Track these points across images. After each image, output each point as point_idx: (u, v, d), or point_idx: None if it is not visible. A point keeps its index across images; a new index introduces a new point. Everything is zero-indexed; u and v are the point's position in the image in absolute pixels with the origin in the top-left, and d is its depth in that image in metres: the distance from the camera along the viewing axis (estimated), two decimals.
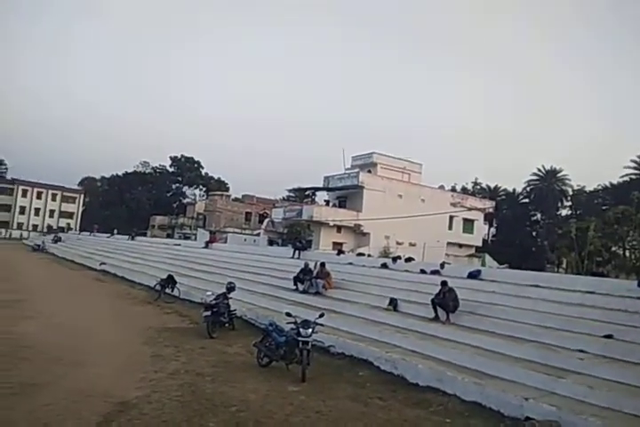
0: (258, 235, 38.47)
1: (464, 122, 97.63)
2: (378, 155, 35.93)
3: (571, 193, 53.51)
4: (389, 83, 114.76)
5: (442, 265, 15.50)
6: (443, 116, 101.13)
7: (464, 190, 54.15)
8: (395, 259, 17.57)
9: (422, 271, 15.34)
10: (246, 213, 53.26)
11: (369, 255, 22.27)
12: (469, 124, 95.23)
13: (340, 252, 22.43)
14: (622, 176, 47.08)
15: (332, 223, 31.59)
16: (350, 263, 18.29)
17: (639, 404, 6.44)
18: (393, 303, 12.59)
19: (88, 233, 50.03)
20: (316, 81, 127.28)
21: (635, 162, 47.08)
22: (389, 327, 11.19)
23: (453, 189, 50.50)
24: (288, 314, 9.29)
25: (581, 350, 8.52)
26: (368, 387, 8.40)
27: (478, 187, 58.98)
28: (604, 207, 38.41)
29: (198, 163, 71.67)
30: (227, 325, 12.58)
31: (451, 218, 36.99)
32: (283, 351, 8.95)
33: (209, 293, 13.24)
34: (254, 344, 9.71)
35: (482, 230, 43.94)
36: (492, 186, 58.66)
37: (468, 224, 39.31)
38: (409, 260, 17.37)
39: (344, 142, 47.54)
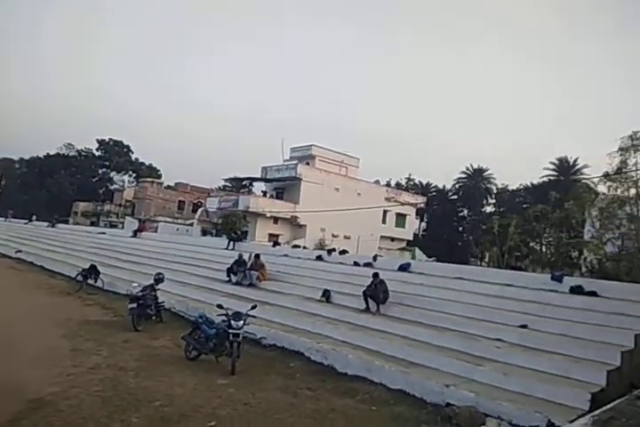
0: (191, 225, 37.39)
1: (400, 121, 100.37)
2: (317, 147, 36.04)
3: (495, 191, 56.66)
4: (330, 77, 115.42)
5: (374, 258, 15.87)
6: (383, 115, 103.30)
7: (398, 186, 55.72)
8: (329, 251, 17.76)
9: (356, 264, 15.62)
10: (179, 201, 51.60)
11: (304, 247, 22.37)
12: (405, 123, 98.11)
13: (276, 243, 22.34)
14: (542, 177, 50.52)
15: (268, 215, 31.36)
16: (286, 255, 18.26)
17: (548, 389, 6.97)
18: (326, 295, 12.73)
19: (2, 219, 46.22)
20: (258, 70, 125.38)
21: (553, 164, 50.67)
22: (321, 319, 11.32)
23: (388, 185, 51.77)
24: (219, 306, 9.12)
25: (499, 339, 9.08)
26: (298, 378, 8.44)
27: (411, 183, 60.97)
28: (524, 205, 40.92)
29: (128, 147, 68.02)
30: (154, 317, 12.14)
31: (385, 212, 37.98)
32: (212, 344, 8.78)
33: (135, 284, 12.69)
34: (182, 337, 9.44)
35: (413, 225, 45.56)
36: (425, 182, 60.91)
37: (401, 219, 40.60)
38: (343, 252, 17.63)
39: (284, 134, 47.34)
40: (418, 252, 35.35)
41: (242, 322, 8.57)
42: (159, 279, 12.65)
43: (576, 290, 10.77)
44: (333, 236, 31.19)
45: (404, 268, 14.42)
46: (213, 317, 9.29)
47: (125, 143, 67.90)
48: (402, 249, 38.21)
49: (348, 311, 11.58)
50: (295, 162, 34.64)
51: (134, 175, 66.65)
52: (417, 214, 46.15)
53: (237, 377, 8.18)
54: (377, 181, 44.02)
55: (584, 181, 35.75)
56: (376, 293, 11.40)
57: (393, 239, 39.00)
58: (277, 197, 34.57)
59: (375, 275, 11.68)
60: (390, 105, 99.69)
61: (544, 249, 31.36)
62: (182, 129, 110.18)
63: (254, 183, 37.29)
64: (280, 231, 32.14)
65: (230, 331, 8.45)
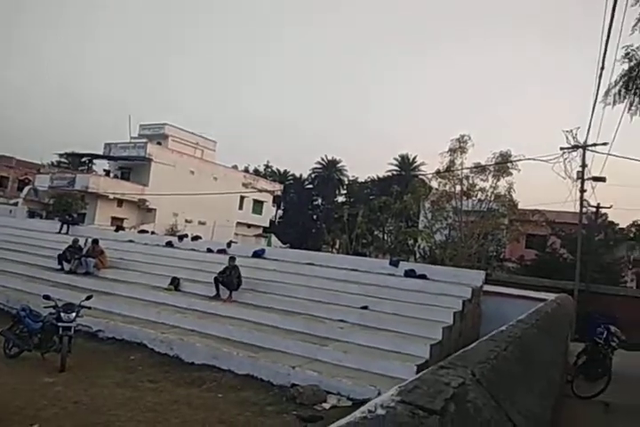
0: (15, 204, 32.48)
1: (263, 106, 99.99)
2: (170, 127, 34.03)
3: (347, 182, 60.22)
4: (187, 57, 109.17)
5: (228, 244, 15.63)
6: (245, 99, 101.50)
7: (256, 172, 55.74)
8: (181, 237, 16.97)
9: (209, 250, 15.19)
10: (1, 177, 44.43)
11: (153, 233, 21.02)
12: (269, 109, 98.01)
13: (120, 228, 20.62)
14: (387, 171, 55.19)
15: (112, 196, 28.74)
16: (131, 241, 16.93)
17: (382, 364, 7.62)
18: (175, 283, 12.15)
19: None
20: (108, 42, 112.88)
21: (397, 160, 55.70)
22: (168, 308, 10.78)
23: (246, 170, 51.49)
24: (46, 297, 8.08)
25: (343, 320, 9.66)
26: (139, 371, 7.93)
27: (269, 170, 61.55)
28: (371, 197, 44.20)
29: None
30: None
31: (242, 198, 37.66)
32: (37, 339, 7.78)
33: None
34: (1, 333, 8.18)
35: (270, 212, 46.11)
36: (282, 170, 61.94)
37: (258, 205, 40.71)
38: (196, 238, 17.00)
39: (134, 110, 43.59)
40: (273, 238, 35.90)
41: (74, 314, 7.73)
42: None
43: (409, 274, 11.98)
44: (187, 221, 29.99)
45: (258, 254, 14.46)
46: (40, 309, 8.21)
47: None
48: (258, 236, 38.44)
49: (199, 299, 11.22)
50: (145, 140, 32.24)
51: None
52: (274, 201, 46.78)
53: (67, 374, 7.37)
54: (235, 167, 43.47)
55: (420, 176, 39.83)
56: (229, 279, 11.24)
57: (249, 226, 38.97)
58: (123, 178, 31.83)
59: (232, 259, 11.57)
60: (252, 89, 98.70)
61: (386, 237, 34.41)
62: (8, 94, 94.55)
63: (96, 161, 33.75)
64: (125, 215, 29.77)
65: (60, 324, 7.55)
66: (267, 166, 61.68)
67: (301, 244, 32.94)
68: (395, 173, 54.33)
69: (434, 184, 27.72)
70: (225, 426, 6.03)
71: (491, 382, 1.26)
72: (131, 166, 31.87)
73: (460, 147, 24.71)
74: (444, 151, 25.01)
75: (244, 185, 37.65)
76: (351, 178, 59.37)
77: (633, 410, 7.35)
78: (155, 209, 30.30)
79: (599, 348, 8.53)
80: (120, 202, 29.58)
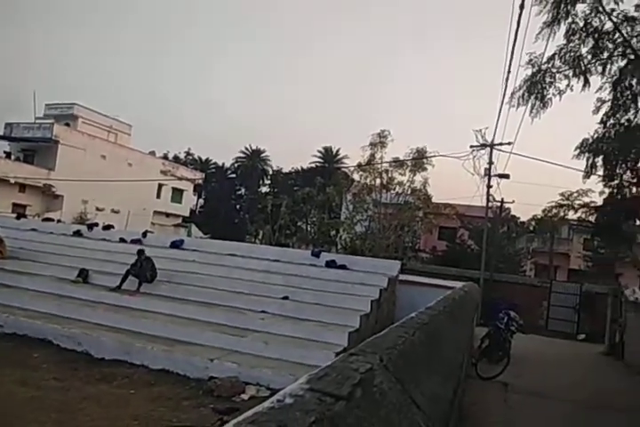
0: None
1: (182, 91, 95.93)
2: (80, 107, 31.65)
3: (271, 173, 59.91)
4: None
5: (144, 234, 14.93)
6: (163, 82, 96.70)
7: (176, 159, 53.66)
8: (91, 226, 15.92)
9: (122, 240, 14.41)
10: None
11: (59, 221, 19.53)
12: (187, 93, 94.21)
13: (21, 216, 18.92)
14: (311, 163, 55.63)
15: (12, 180, 26.26)
16: (34, 229, 15.61)
17: (302, 353, 7.72)
18: (83, 274, 11.41)
19: None
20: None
21: (320, 152, 56.32)
22: (76, 301, 10.10)
23: (165, 157, 49.37)
24: None
25: (264, 311, 9.65)
26: (44, 369, 7.37)
27: (190, 157, 59.55)
28: (295, 188, 44.43)
29: None
30: None
31: (160, 186, 36.07)
32: None
33: None
34: None
35: (191, 201, 44.68)
36: (204, 158, 60.20)
37: (178, 194, 39.24)
38: (108, 227, 16.04)
39: (39, 89, 39.95)
40: (194, 228, 34.92)
41: None
42: None
43: (330, 264, 12.22)
44: (98, 209, 28.22)
45: (176, 245, 13.97)
46: None
47: None
48: (177, 225, 37.15)
49: (109, 292, 10.64)
50: (51, 121, 29.74)
51: None
52: (195, 190, 45.40)
53: None
54: (152, 153, 41.49)
55: (343, 169, 40.67)
56: (142, 271, 10.75)
57: (168, 215, 37.49)
58: (26, 161, 29.19)
59: (140, 252, 11.00)
60: (175, 74, 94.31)
61: (309, 228, 34.81)
62: None
63: None
64: (29, 202, 27.38)
65: None
66: (188, 154, 59.66)
67: (223, 234, 32.28)
68: (318, 164, 54.93)
69: (355, 177, 28.46)
70: (137, 423, 5.81)
71: (397, 366, 1.32)
72: (35, 149, 29.28)
73: (380, 141, 25.53)
74: (366, 145, 25.73)
75: (163, 172, 36.12)
76: (275, 168, 59.17)
77: (527, 389, 8.12)
78: (62, 196, 28.12)
79: (500, 332, 9.29)
80: (22, 187, 27.11)
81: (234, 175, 60.11)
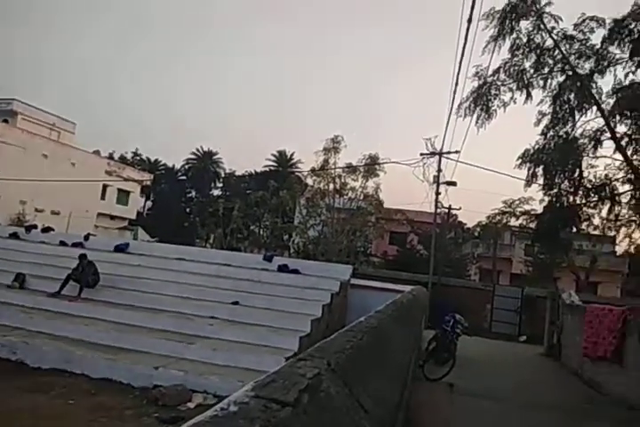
0: None
1: (131, 88, 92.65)
2: (20, 103, 29.96)
3: (223, 175, 58.96)
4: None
5: (86, 237, 14.28)
6: (112, 78, 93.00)
7: (123, 159, 51.71)
8: (29, 228, 15.08)
9: (62, 243, 13.72)
10: None
11: None
12: (139, 91, 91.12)
13: None
14: (264, 166, 55.26)
15: None
16: None
17: (251, 358, 7.62)
18: (20, 279, 10.76)
19: None
20: None
21: (274, 156, 56.08)
22: (12, 307, 9.51)
23: (111, 157, 47.47)
24: None
25: (213, 317, 9.46)
26: None
27: (138, 158, 57.53)
28: (248, 191, 43.92)
29: None
30: None
31: (104, 187, 34.59)
32: None
33: None
34: None
35: (138, 203, 43.20)
36: (153, 159, 58.37)
37: (124, 195, 37.79)
38: (47, 230, 15.23)
39: None
40: (141, 232, 33.79)
41: None
42: None
43: (282, 268, 12.17)
44: (37, 210, 26.73)
45: (121, 248, 13.45)
46: None
47: None
48: (123, 228, 35.77)
49: (48, 298, 10.08)
50: None
51: None
52: (142, 192, 43.94)
53: None
54: (97, 152, 39.85)
55: (297, 173, 40.71)
56: (83, 276, 10.26)
57: (113, 217, 36.00)
58: None
59: (82, 256, 10.52)
60: (124, 74, 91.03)
61: (262, 232, 34.52)
62: None
63: None
64: None
65: None
66: (135, 154, 57.55)
67: (172, 238, 31.42)
68: (272, 168, 54.65)
69: (309, 181, 28.56)
70: None
71: (345, 370, 1.32)
72: None
73: (333, 147, 25.78)
74: (319, 150, 25.89)
75: (108, 173, 34.69)
76: (228, 171, 58.25)
77: (472, 390, 8.39)
78: None
79: (447, 334, 9.55)
80: None
81: (184, 177, 58.64)
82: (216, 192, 58.03)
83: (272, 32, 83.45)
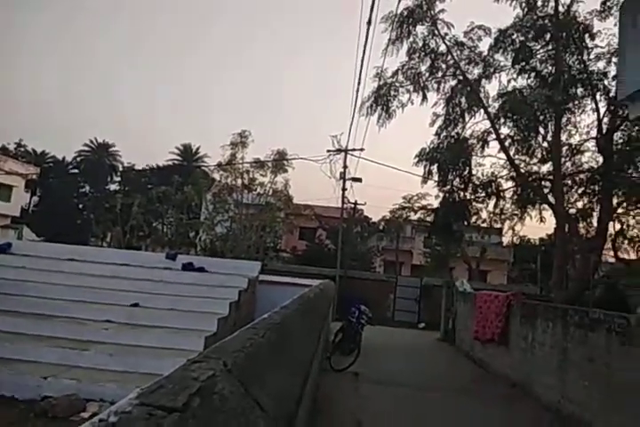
0: None
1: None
2: None
3: (121, 169, 55.38)
4: None
5: None
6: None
7: (4, 151, 46.47)
8: None
9: None
10: None
11: None
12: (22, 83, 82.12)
13: None
14: (168, 160, 52.84)
15: None
16: None
17: (153, 363, 7.23)
18: None
19: None
20: None
21: (179, 149, 53.84)
22: None
23: None
24: None
25: (108, 321, 8.84)
26: None
27: (22, 149, 52.02)
28: (149, 186, 41.72)
29: None
30: None
31: None
32: None
33: None
34: None
35: (22, 199, 39.17)
36: (40, 151, 53.13)
37: (5, 190, 34.13)
38: None
39: None
40: (26, 230, 30.77)
41: None
42: None
43: (187, 267, 11.72)
44: None
45: (2, 249, 12.08)
46: None
47: None
48: (5, 227, 32.28)
49: None
50: None
51: None
52: (27, 187, 39.89)
53: None
54: None
55: (203, 168, 39.49)
56: None
57: None
58: None
59: None
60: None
61: (165, 229, 33.03)
62: None
63: None
64: None
65: None
66: (19, 145, 51.93)
67: (64, 237, 28.89)
68: (176, 162, 52.45)
69: (216, 176, 27.86)
70: None
71: (242, 370, 1.29)
72: None
73: (241, 141, 25.39)
74: (226, 144, 25.36)
75: None
76: (127, 165, 54.78)
77: (375, 377, 8.76)
78: None
79: (352, 325, 9.87)
80: None
81: (76, 171, 54.12)
82: (113, 187, 54.35)
83: (180, 23, 79.85)
